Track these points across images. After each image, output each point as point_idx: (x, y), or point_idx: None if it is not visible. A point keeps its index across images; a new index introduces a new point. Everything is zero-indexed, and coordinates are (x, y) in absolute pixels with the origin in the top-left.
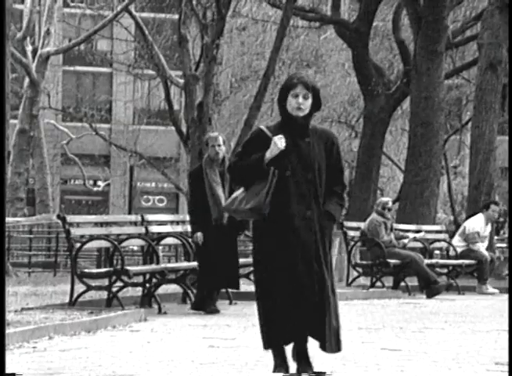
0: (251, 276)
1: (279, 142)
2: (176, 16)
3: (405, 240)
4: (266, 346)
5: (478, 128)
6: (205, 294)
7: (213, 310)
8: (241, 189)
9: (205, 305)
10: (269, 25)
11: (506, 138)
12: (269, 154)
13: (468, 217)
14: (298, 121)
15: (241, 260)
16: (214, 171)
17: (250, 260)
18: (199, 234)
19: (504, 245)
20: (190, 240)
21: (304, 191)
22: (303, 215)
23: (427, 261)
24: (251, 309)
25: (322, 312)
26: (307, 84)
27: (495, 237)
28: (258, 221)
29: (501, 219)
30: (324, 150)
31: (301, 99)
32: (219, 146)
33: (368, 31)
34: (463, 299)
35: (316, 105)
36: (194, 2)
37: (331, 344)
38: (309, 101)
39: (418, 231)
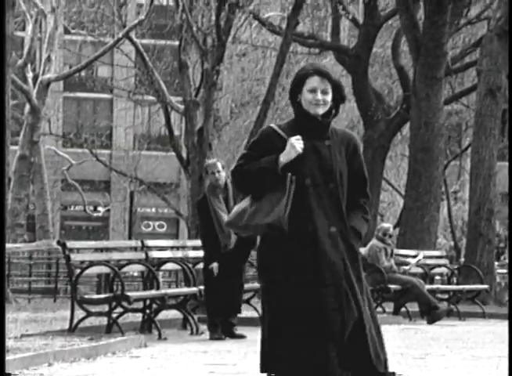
0: (252, 302)
1: (297, 143)
2: (176, 43)
3: (406, 267)
4: None
5: (478, 153)
6: (209, 320)
7: (217, 337)
8: (245, 201)
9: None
10: (269, 51)
11: (506, 163)
12: (285, 157)
13: None
14: (317, 119)
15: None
16: (217, 198)
17: (251, 285)
18: (215, 265)
19: (505, 271)
20: (191, 265)
21: (325, 203)
22: (327, 232)
23: (427, 286)
24: (253, 335)
25: (364, 350)
26: (325, 75)
27: (496, 263)
28: (270, 238)
29: (501, 245)
30: (345, 155)
31: (319, 95)
32: (219, 172)
33: (367, 57)
34: (464, 325)
35: (338, 100)
36: (194, 29)
37: None
38: (329, 96)
39: (416, 255)
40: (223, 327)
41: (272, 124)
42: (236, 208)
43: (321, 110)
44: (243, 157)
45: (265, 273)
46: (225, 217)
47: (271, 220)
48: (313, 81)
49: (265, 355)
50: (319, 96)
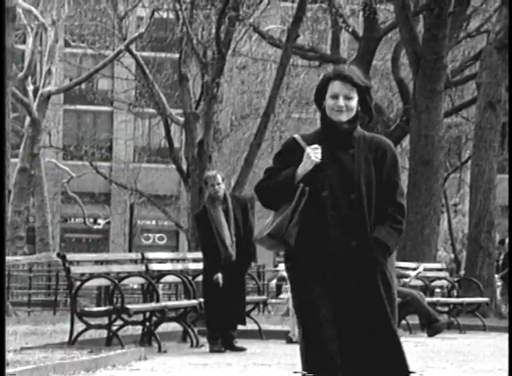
0: (252, 314)
1: (313, 153)
2: (176, 55)
3: (406, 280)
4: None
5: (478, 166)
6: (209, 333)
7: (217, 350)
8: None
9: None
10: (269, 64)
11: (506, 176)
12: (302, 169)
13: None
14: (339, 127)
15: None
16: (217, 210)
17: (252, 298)
18: (219, 275)
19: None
20: (191, 278)
21: (346, 216)
22: (345, 247)
23: (428, 299)
24: (253, 348)
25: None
26: (348, 79)
27: (496, 276)
28: (289, 254)
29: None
30: (374, 162)
31: (341, 101)
32: (218, 184)
33: (367, 70)
34: (465, 338)
35: (365, 106)
36: (195, 41)
37: None
38: (354, 101)
39: (416, 268)
40: (223, 340)
41: (295, 135)
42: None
43: (344, 117)
44: (266, 171)
45: (290, 284)
46: (226, 229)
47: (269, 231)
48: (334, 87)
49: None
50: (341, 102)
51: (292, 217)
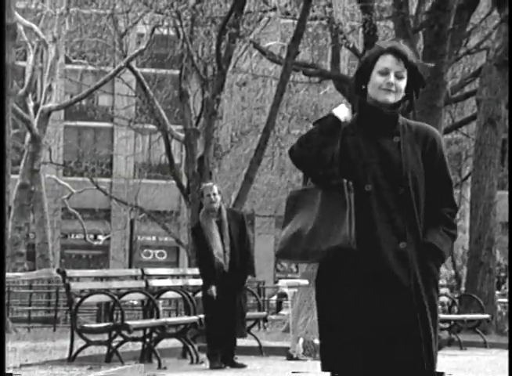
0: (252, 331)
1: (343, 110)
2: (177, 72)
3: None
4: None
5: (478, 182)
6: (209, 350)
7: (217, 367)
8: (293, 224)
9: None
10: (269, 80)
11: (506, 192)
12: (334, 111)
13: None
14: (383, 112)
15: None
16: (211, 223)
17: (252, 314)
18: (213, 288)
19: (505, 300)
20: (191, 293)
21: (393, 213)
22: (394, 249)
23: None
24: (253, 364)
25: None
26: (402, 56)
27: (497, 292)
28: (331, 262)
29: (502, 274)
30: (422, 154)
31: (392, 78)
32: (214, 195)
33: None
34: (465, 354)
35: (413, 89)
36: (195, 58)
37: None
38: (404, 82)
39: None
40: (223, 356)
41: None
42: (285, 233)
43: (392, 98)
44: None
45: (317, 294)
46: (218, 242)
47: (338, 242)
48: (386, 61)
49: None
50: (392, 79)
51: (351, 220)
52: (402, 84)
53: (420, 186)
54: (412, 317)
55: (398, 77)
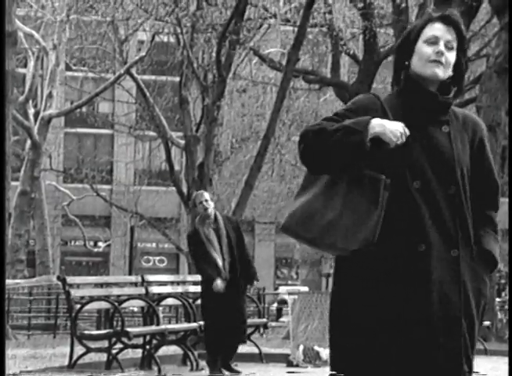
0: (252, 338)
1: (400, 131)
2: (177, 79)
3: None
4: None
5: None
6: (209, 357)
7: (217, 374)
8: (307, 196)
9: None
10: (269, 87)
11: (506, 199)
12: (382, 129)
13: None
14: (434, 94)
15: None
16: (208, 230)
17: (252, 321)
18: (218, 282)
19: (505, 307)
20: (191, 300)
21: (444, 216)
22: (445, 256)
23: None
24: (253, 371)
25: None
26: (454, 24)
27: (497, 299)
28: (353, 262)
29: (502, 281)
30: (471, 148)
31: (442, 47)
32: (206, 201)
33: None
34: None
35: (461, 68)
36: (195, 65)
37: None
38: (453, 54)
39: None
40: (221, 359)
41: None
42: (299, 206)
43: (441, 72)
44: (324, 119)
45: (338, 300)
46: (217, 249)
47: (357, 246)
48: (435, 29)
49: None
50: (442, 47)
51: (378, 223)
52: (452, 56)
53: (467, 184)
54: (458, 339)
55: (448, 47)
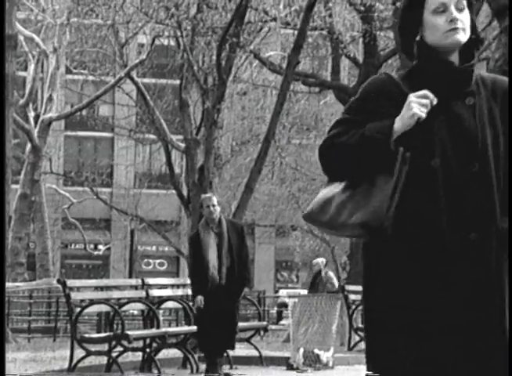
0: (252, 341)
1: (417, 103)
2: (177, 82)
3: None
4: None
5: None
6: (208, 360)
7: None
8: (333, 186)
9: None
10: (270, 90)
11: None
12: (399, 124)
13: None
14: (453, 64)
15: (242, 324)
16: (209, 234)
17: (251, 324)
18: (199, 297)
19: None
20: (191, 303)
21: (465, 195)
22: (464, 240)
23: None
24: (253, 374)
25: None
26: None
27: None
28: (373, 246)
29: None
30: (502, 119)
31: (454, 12)
32: (214, 206)
33: None
34: None
35: (474, 27)
36: (195, 68)
37: None
38: (467, 13)
39: None
40: (208, 362)
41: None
42: (320, 195)
43: (462, 37)
44: (339, 123)
45: (366, 290)
46: (213, 254)
47: (365, 218)
48: None
49: None
50: (455, 13)
51: (393, 196)
52: (467, 16)
53: (499, 161)
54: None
55: (460, 9)
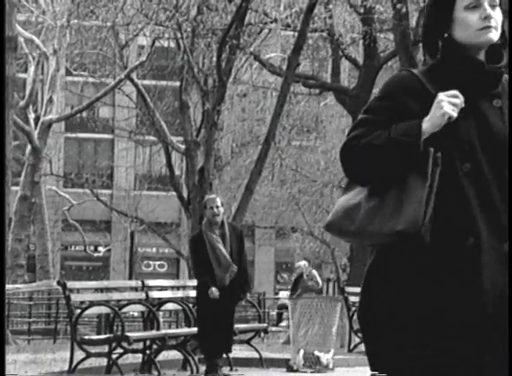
0: (252, 342)
1: (448, 103)
2: (177, 83)
3: None
4: None
5: None
6: (208, 362)
7: None
8: (356, 191)
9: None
10: (270, 92)
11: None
12: (428, 124)
13: None
14: (483, 65)
15: (242, 326)
16: (213, 232)
17: (251, 325)
18: (214, 289)
19: None
20: (191, 305)
21: (496, 203)
22: (496, 250)
23: None
24: None
25: None
26: None
27: None
28: (394, 254)
29: None
30: None
31: (488, 9)
32: (217, 207)
33: (368, 98)
34: None
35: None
36: (195, 70)
37: None
38: (499, 11)
39: None
40: (208, 364)
41: (411, 70)
42: (342, 202)
43: (495, 36)
44: (359, 124)
45: (381, 296)
46: (224, 250)
47: (402, 227)
48: None
49: None
50: (488, 10)
51: (428, 201)
52: (499, 14)
53: None
54: None
55: (493, 5)
